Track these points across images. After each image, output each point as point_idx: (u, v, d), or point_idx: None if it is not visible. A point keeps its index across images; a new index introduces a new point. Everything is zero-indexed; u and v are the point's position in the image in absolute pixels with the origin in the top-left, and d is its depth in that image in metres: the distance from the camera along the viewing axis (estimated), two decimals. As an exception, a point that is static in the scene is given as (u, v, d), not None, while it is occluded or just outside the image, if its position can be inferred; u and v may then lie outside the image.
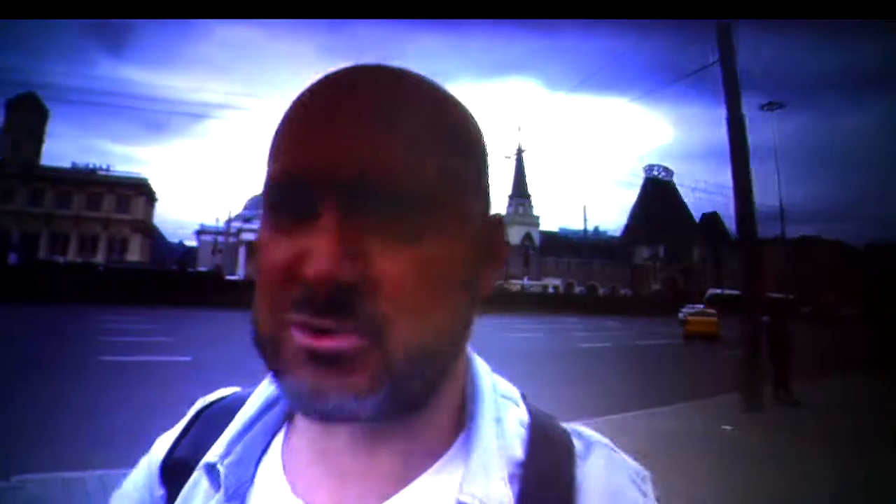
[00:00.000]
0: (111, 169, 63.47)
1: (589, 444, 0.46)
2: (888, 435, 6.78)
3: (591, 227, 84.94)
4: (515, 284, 70.63)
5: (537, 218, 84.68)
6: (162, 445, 0.52)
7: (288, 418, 0.49)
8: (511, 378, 0.49)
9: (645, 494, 0.44)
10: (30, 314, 16.81)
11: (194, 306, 25.47)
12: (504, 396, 0.48)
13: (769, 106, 52.04)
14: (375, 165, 0.37)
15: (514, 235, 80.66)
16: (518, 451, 0.44)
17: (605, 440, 0.48)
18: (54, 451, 4.75)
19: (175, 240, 78.59)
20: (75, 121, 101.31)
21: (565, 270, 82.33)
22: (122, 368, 9.34)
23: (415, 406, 0.41)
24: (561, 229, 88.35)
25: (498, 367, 0.43)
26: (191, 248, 73.49)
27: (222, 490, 0.44)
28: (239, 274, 54.41)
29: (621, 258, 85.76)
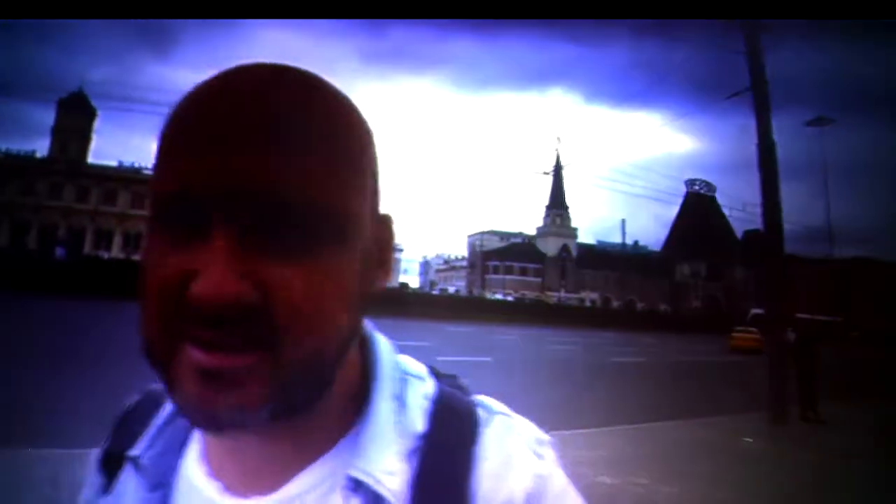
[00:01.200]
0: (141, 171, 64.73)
1: (490, 413, 0.48)
2: None
3: (630, 242, 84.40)
4: (552, 297, 70.64)
5: (575, 230, 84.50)
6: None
7: None
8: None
9: (541, 457, 0.46)
10: (82, 307, 17.81)
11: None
12: (409, 374, 0.49)
13: (816, 122, 50.80)
14: (269, 183, 0.36)
15: (551, 247, 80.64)
16: (419, 425, 0.45)
17: (507, 410, 0.49)
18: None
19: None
20: (121, 120, 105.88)
21: (602, 284, 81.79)
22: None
23: (307, 407, 0.41)
24: (599, 242, 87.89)
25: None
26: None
27: (145, 480, 0.46)
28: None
29: (661, 274, 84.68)
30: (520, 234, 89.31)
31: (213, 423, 0.38)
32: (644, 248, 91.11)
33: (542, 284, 77.44)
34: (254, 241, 0.36)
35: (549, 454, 0.47)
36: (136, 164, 64.54)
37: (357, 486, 0.41)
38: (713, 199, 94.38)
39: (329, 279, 0.38)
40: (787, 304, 9.71)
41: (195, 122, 0.38)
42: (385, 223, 0.47)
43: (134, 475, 0.47)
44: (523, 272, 78.01)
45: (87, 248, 55.68)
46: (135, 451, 0.48)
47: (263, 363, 0.37)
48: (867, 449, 7.46)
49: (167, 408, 0.50)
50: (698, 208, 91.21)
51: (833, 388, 11.57)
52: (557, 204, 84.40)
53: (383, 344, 0.50)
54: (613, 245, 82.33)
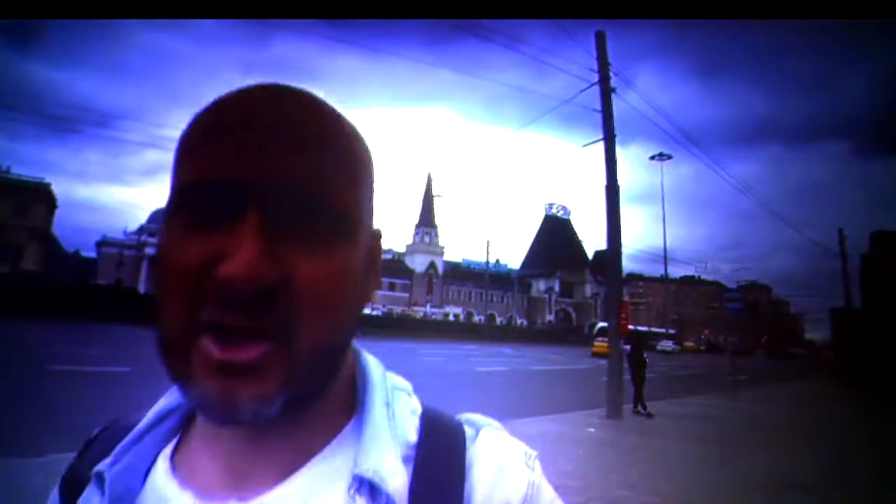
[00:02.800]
0: (10, 171, 57.92)
1: (478, 428, 0.49)
2: (717, 435, 9.22)
3: (492, 260, 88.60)
4: (418, 311, 72.32)
5: (442, 248, 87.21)
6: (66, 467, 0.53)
7: (182, 427, 0.50)
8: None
9: (532, 469, 0.47)
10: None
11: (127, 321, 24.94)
12: (395, 388, 0.51)
13: (659, 157, 57.33)
14: (301, 176, 0.39)
15: (419, 263, 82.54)
16: (412, 436, 0.47)
17: (495, 423, 0.51)
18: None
19: (71, 248, 73.42)
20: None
21: (466, 300, 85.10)
22: (82, 377, 9.93)
23: (312, 401, 0.43)
24: (464, 260, 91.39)
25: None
26: (88, 259, 69.13)
27: (107, 496, 0.45)
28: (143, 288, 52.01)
29: (519, 290, 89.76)
30: (389, 251, 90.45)
31: (231, 416, 0.38)
32: (504, 266, 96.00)
33: (409, 299, 78.97)
34: (279, 231, 0.38)
35: (538, 466, 0.48)
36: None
37: (361, 484, 0.42)
38: (568, 221, 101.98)
39: (341, 275, 0.41)
40: (624, 318, 11.59)
41: (233, 119, 0.40)
42: (377, 237, 0.49)
43: (97, 492, 0.47)
44: (392, 287, 79.01)
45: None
46: (99, 467, 0.47)
47: (277, 354, 0.38)
48: (680, 432, 9.45)
49: (138, 427, 0.50)
50: (555, 230, 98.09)
51: (663, 387, 13.86)
52: (426, 222, 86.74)
53: (371, 357, 0.52)
54: (478, 263, 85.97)
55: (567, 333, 69.59)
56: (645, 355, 12.27)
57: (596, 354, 33.35)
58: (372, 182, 0.46)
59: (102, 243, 67.22)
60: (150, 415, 0.51)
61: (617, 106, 11.77)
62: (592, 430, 9.02)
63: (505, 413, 9.59)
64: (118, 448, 0.48)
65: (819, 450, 8.82)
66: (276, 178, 0.38)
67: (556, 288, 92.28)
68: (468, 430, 0.49)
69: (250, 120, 0.40)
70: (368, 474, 0.42)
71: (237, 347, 0.37)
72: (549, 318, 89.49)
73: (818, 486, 6.30)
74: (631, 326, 13.33)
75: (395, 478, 0.43)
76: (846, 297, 28.27)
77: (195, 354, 0.38)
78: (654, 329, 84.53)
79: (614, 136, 11.53)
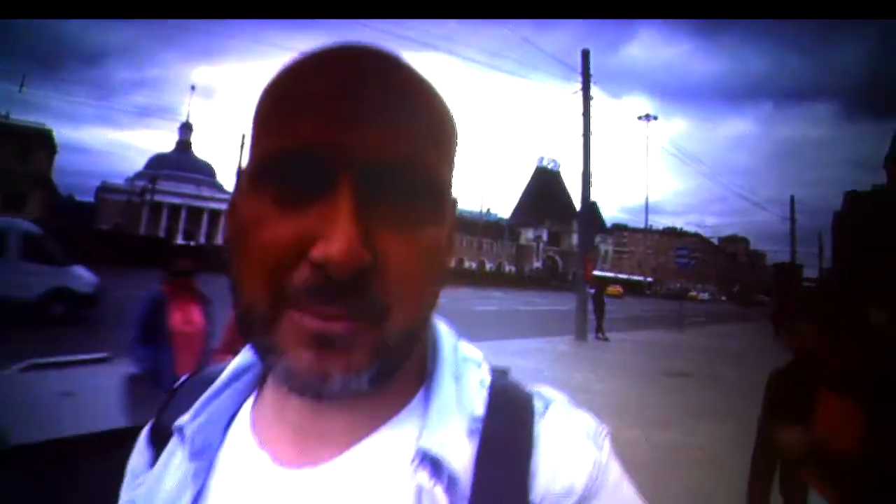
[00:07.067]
0: (9, 116, 56.36)
1: (547, 403, 0.47)
2: (649, 350, 12.76)
3: (484, 209, 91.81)
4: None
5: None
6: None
7: (258, 384, 0.50)
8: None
9: (600, 448, 0.45)
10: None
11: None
12: (466, 359, 0.49)
13: (645, 117, 60.22)
14: (396, 150, 0.36)
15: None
16: (479, 408, 0.45)
17: (565, 398, 0.48)
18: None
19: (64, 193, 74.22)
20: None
21: (458, 247, 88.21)
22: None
23: (395, 375, 0.41)
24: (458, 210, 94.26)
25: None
26: (84, 204, 69.99)
27: (187, 449, 0.46)
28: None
29: (509, 238, 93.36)
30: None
31: (321, 388, 0.38)
32: (495, 215, 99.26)
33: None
34: (372, 208, 0.36)
35: (606, 444, 0.46)
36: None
37: (424, 458, 0.41)
38: (559, 173, 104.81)
39: (430, 252, 0.40)
40: (588, 269, 15.11)
41: (319, 85, 0.37)
42: (454, 205, 0.47)
43: (179, 446, 0.48)
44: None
45: None
46: (179, 422, 0.48)
47: (369, 330, 0.37)
48: (624, 349, 13.13)
49: (216, 383, 0.51)
50: (545, 181, 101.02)
51: (622, 321, 17.52)
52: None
53: (443, 326, 0.51)
54: (470, 212, 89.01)
55: (552, 279, 73.47)
56: (604, 297, 16.00)
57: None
58: (456, 152, 0.44)
59: (103, 189, 67.56)
60: (228, 371, 0.52)
61: (614, 61, 15.14)
62: (564, 347, 12.58)
63: (497, 335, 13.05)
64: (198, 403, 0.49)
65: (707, 353, 12.97)
66: (369, 150, 0.36)
67: (544, 237, 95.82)
68: (537, 404, 0.47)
69: (339, 84, 0.37)
70: (432, 450, 0.41)
71: (332, 321, 0.37)
72: (537, 264, 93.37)
73: (690, 372, 10.08)
74: (595, 272, 17.04)
75: (459, 454, 0.41)
76: (792, 253, 32.23)
77: (286, 327, 0.37)
78: (632, 277, 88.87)
79: (590, 134, 14.80)
